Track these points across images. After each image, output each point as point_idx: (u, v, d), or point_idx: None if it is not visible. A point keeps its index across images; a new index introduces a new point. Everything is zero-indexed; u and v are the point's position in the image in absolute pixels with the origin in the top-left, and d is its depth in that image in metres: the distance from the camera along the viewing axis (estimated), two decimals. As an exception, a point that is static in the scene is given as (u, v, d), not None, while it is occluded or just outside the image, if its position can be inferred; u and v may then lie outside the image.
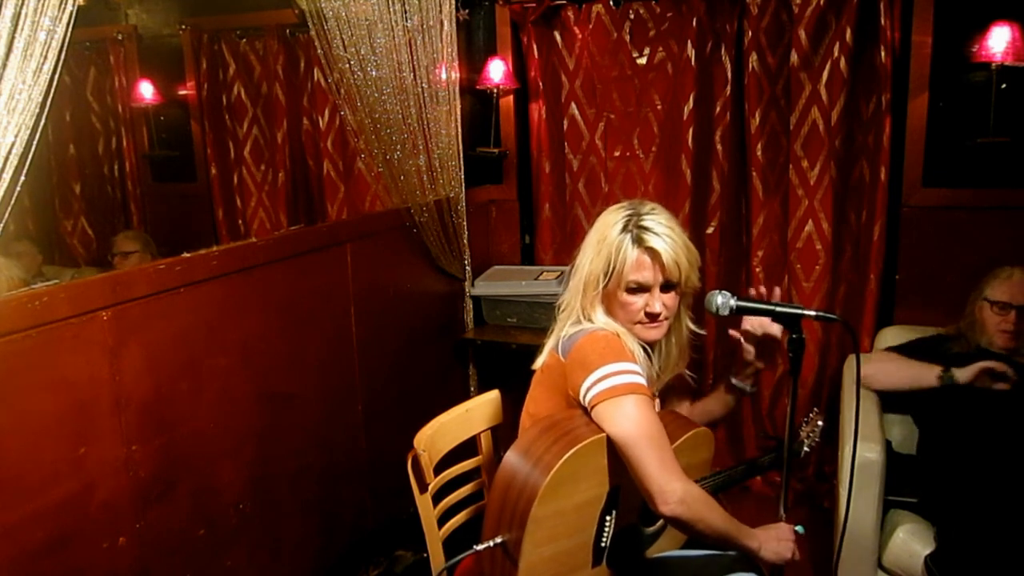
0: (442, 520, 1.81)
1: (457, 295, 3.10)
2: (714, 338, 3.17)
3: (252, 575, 2.05)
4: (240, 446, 1.99)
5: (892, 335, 2.68)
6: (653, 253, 1.55)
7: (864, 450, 2.16)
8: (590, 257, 1.61)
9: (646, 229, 1.56)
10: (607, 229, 1.60)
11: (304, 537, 2.25)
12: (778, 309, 1.52)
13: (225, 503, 1.95)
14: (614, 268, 1.57)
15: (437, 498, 1.80)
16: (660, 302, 1.58)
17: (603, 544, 1.57)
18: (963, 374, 2.23)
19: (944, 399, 2.30)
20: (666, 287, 1.59)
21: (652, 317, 1.59)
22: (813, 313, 1.49)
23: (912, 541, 2.15)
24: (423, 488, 1.73)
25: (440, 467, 1.80)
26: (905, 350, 2.51)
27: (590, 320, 1.62)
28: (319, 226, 2.60)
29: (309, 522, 2.26)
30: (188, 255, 1.83)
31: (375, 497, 2.54)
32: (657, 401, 1.78)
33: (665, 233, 1.56)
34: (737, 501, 3.01)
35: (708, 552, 1.70)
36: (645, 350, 1.67)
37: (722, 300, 1.54)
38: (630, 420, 1.46)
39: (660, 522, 1.70)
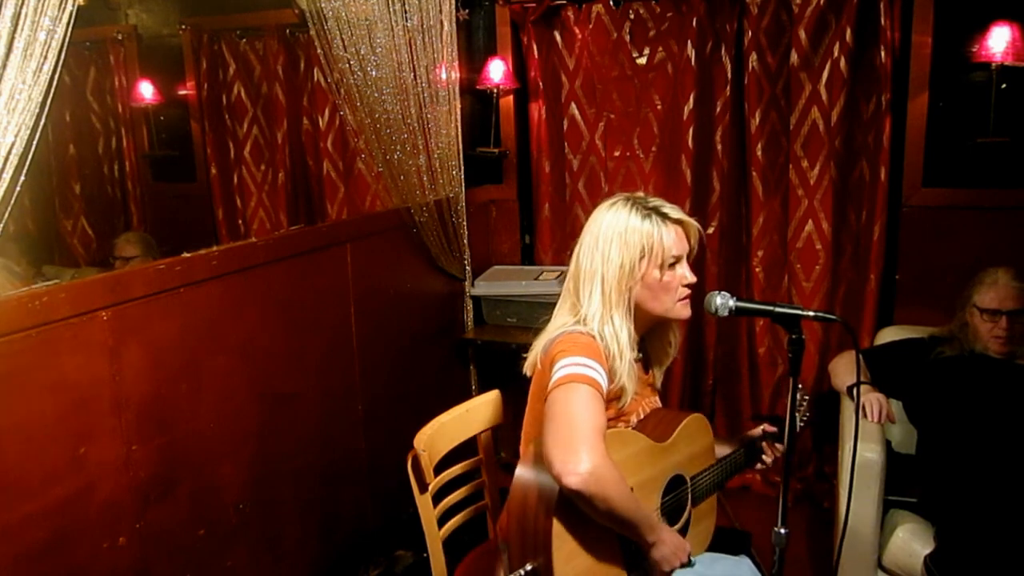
0: (442, 520, 1.81)
1: (457, 295, 3.10)
2: (714, 338, 3.18)
3: (252, 575, 2.05)
4: (240, 446, 1.99)
5: (892, 335, 2.67)
6: (684, 224, 1.62)
7: (864, 450, 2.16)
8: (617, 250, 1.57)
9: (660, 207, 1.61)
10: (622, 222, 1.59)
11: (304, 537, 2.25)
12: (777, 310, 1.52)
13: (225, 503, 1.95)
14: (651, 250, 1.57)
15: (437, 498, 1.80)
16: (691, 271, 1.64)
17: (633, 547, 1.56)
18: (864, 396, 2.31)
19: (927, 393, 2.33)
20: (687, 257, 1.65)
21: (689, 288, 1.63)
22: (812, 314, 1.49)
23: (912, 541, 2.15)
24: (423, 488, 1.73)
25: (440, 467, 1.80)
26: (883, 352, 2.51)
27: (610, 323, 1.58)
28: (319, 226, 2.60)
29: (309, 522, 2.26)
30: (188, 255, 1.83)
31: (375, 497, 2.54)
32: (657, 396, 1.79)
33: (676, 207, 1.63)
34: (738, 501, 3.01)
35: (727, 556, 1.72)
36: (641, 355, 1.70)
37: (721, 301, 1.54)
38: (560, 403, 1.44)
39: (682, 520, 1.69)
